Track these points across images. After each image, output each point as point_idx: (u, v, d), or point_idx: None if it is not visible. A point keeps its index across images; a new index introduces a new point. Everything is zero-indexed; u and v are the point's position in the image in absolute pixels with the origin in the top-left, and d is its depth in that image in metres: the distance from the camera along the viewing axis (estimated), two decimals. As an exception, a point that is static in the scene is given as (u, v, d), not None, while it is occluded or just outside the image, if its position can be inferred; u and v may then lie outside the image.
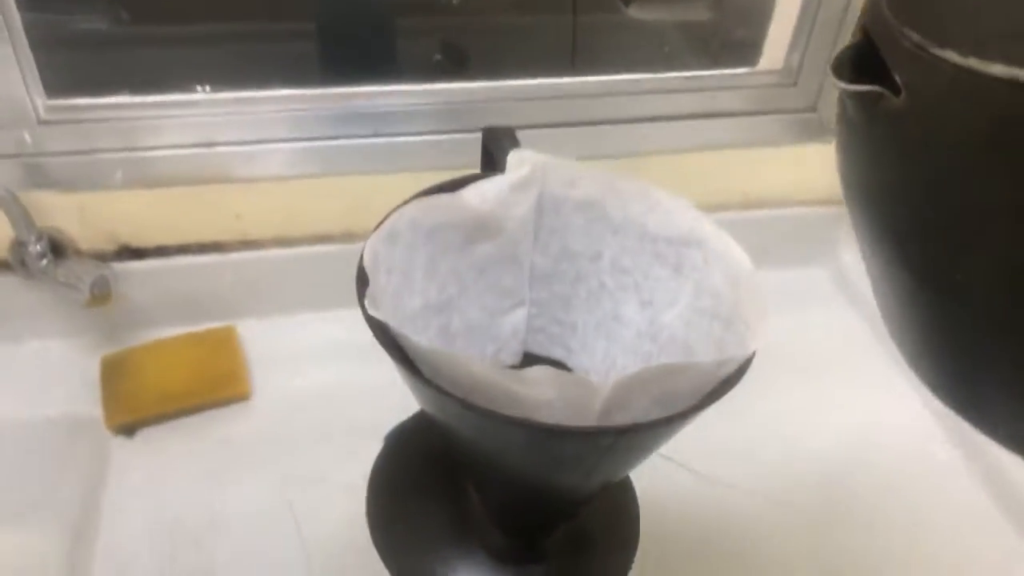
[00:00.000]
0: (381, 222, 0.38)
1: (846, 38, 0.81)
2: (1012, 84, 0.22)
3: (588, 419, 0.29)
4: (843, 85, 0.28)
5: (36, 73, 0.69)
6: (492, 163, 0.42)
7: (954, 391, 0.30)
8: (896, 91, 0.26)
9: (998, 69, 0.22)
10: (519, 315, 0.45)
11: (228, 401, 0.75)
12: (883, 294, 0.30)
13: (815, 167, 0.87)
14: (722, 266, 0.39)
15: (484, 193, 0.41)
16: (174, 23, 0.90)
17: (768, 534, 0.68)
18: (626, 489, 0.46)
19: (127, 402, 0.72)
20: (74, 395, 0.74)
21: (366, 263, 0.35)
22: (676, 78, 0.84)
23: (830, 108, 0.85)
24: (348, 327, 0.82)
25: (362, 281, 0.35)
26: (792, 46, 0.83)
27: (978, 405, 0.29)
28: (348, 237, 0.82)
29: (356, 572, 0.63)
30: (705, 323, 0.39)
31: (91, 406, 0.73)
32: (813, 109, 0.85)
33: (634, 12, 1.09)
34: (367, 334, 0.81)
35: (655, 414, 0.30)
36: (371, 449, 0.71)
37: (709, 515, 0.69)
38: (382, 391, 0.75)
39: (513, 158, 0.41)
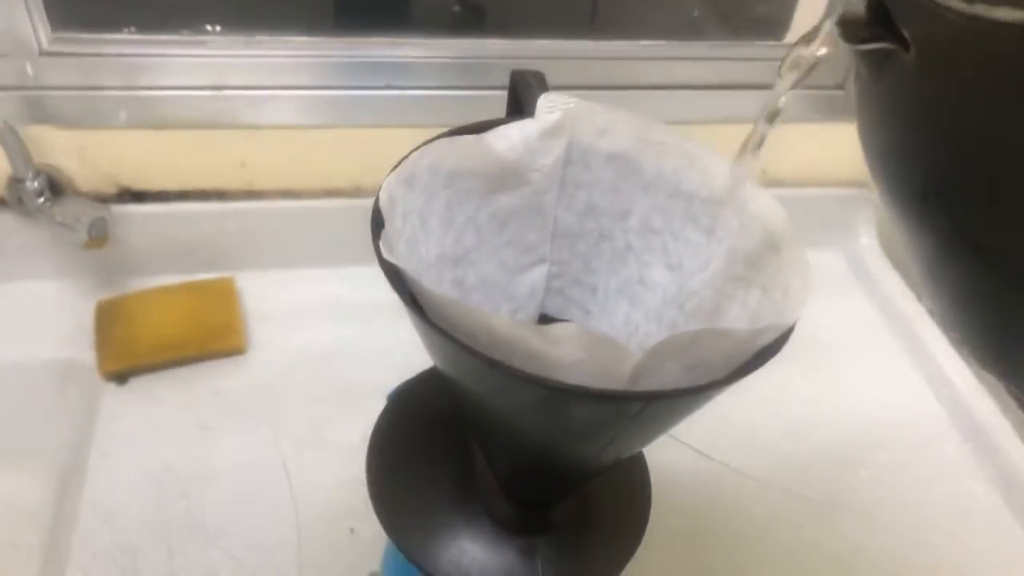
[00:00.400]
0: (400, 162, 0.36)
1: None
2: (1021, 27, 0.21)
3: (615, 383, 0.27)
4: (852, 45, 0.26)
5: (40, 2, 0.67)
6: (520, 109, 0.40)
7: (987, 351, 0.28)
8: (906, 47, 0.25)
9: (1004, 13, 0.21)
10: (538, 273, 0.43)
11: (223, 354, 0.73)
12: (914, 259, 0.29)
13: (840, 147, 0.85)
14: (760, 230, 0.36)
15: (510, 138, 0.39)
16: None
17: (772, 520, 0.66)
18: (638, 463, 0.44)
19: (120, 349, 0.71)
20: (67, 339, 0.73)
21: (382, 204, 0.33)
22: (701, 46, 0.81)
23: (860, 86, 0.83)
24: (352, 285, 0.82)
25: (377, 223, 0.33)
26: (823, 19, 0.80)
27: (1014, 369, 0.28)
28: (356, 192, 0.79)
29: (347, 534, 0.62)
30: (739, 291, 0.37)
31: (84, 351, 0.71)
32: (841, 87, 0.82)
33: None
34: (370, 293, 0.81)
35: (684, 383, 0.28)
36: (370, 411, 0.69)
37: (715, 496, 0.67)
38: (384, 353, 0.75)
39: (543, 102, 0.39)
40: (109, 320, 0.73)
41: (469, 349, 0.27)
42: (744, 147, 0.35)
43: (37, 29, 0.67)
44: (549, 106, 0.39)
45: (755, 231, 0.37)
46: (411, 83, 0.74)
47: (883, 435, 0.74)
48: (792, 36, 0.84)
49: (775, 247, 0.36)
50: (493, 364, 0.26)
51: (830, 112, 0.83)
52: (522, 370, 0.26)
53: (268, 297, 0.79)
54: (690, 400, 0.29)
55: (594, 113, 0.40)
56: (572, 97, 0.39)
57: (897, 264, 0.88)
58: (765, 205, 0.37)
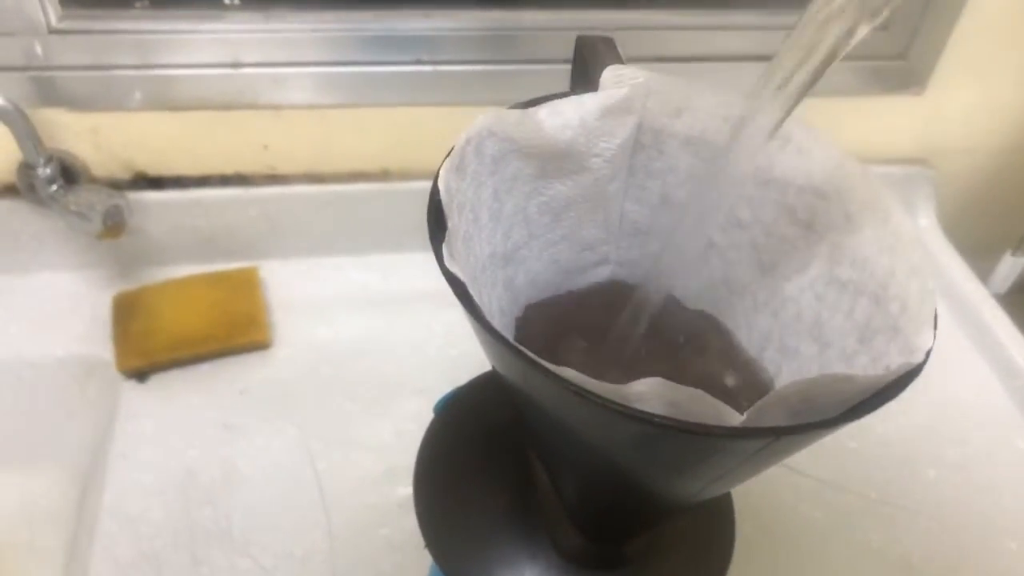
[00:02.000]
0: (454, 147, 0.31)
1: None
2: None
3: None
4: None
5: (48, -23, 0.62)
6: (587, 80, 0.35)
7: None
8: None
9: None
10: (601, 275, 0.38)
11: (247, 348, 0.70)
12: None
13: (901, 122, 0.80)
14: (872, 225, 0.31)
15: (563, 115, 0.33)
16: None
17: (834, 524, 0.62)
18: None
19: (139, 344, 0.67)
20: (83, 334, 0.70)
21: (443, 198, 0.28)
22: (749, 15, 0.76)
23: (924, 56, 0.78)
24: (381, 274, 0.78)
25: (437, 222, 0.28)
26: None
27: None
28: (385, 176, 0.75)
29: (380, 539, 0.58)
30: (845, 299, 0.32)
31: (101, 347, 0.68)
32: (904, 57, 0.77)
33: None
34: (401, 282, 0.77)
35: (782, 420, 0.24)
36: (402, 408, 0.66)
37: (771, 497, 0.63)
38: (416, 346, 0.71)
39: (609, 75, 0.33)
40: (127, 314, 0.69)
41: (558, 378, 0.22)
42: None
43: (45, 5, 0.63)
44: (616, 79, 0.34)
45: (865, 227, 0.32)
46: (443, 57, 0.69)
47: (950, 431, 0.69)
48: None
49: (889, 248, 0.30)
50: (584, 395, 0.22)
51: (892, 83, 0.78)
52: (626, 404, 0.22)
53: (293, 288, 0.75)
54: (819, 434, 0.25)
55: (669, 88, 0.34)
56: (643, 70, 0.34)
57: (960, 246, 0.83)
58: (873, 195, 0.32)
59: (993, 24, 0.74)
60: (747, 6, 0.75)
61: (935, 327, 0.27)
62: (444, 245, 0.27)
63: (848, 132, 0.81)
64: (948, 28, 0.74)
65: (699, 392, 0.22)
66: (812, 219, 0.33)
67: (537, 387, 0.26)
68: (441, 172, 0.29)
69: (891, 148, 0.83)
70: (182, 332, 0.69)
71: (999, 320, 0.76)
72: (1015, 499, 0.65)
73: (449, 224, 0.28)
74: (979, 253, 0.83)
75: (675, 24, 0.74)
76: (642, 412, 0.22)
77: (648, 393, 0.22)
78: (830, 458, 0.66)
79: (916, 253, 0.30)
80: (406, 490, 0.60)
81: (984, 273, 0.86)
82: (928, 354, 0.27)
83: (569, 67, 0.38)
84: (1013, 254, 0.85)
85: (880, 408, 0.25)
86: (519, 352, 0.24)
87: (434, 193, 0.29)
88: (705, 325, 0.38)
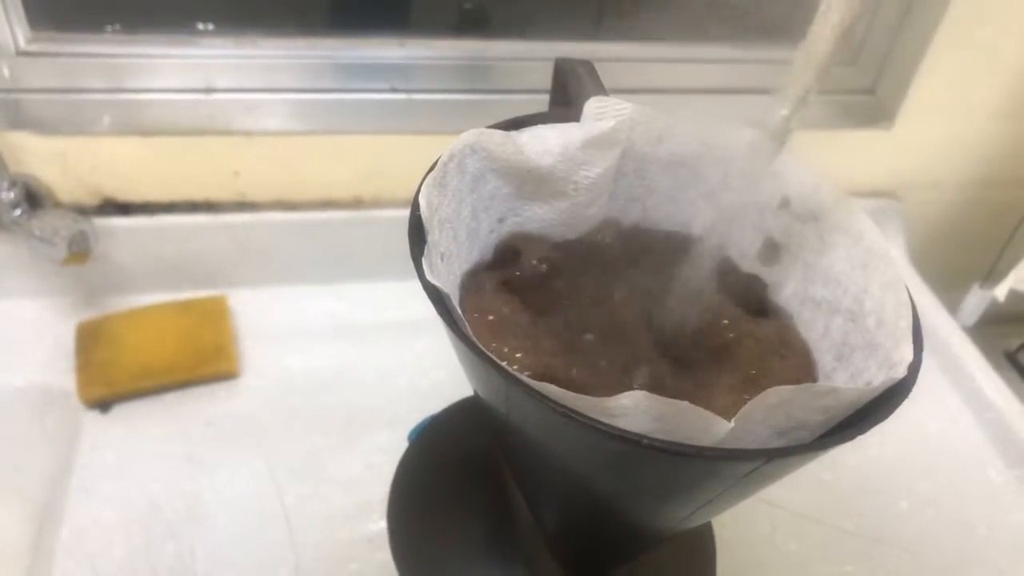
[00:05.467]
0: (435, 162, 0.31)
1: (917, 12, 0.74)
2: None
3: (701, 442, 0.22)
4: None
5: (19, 0, 0.62)
6: (566, 101, 0.35)
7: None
8: None
9: None
10: None
11: (214, 378, 0.68)
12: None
13: (870, 156, 0.81)
14: (845, 244, 0.32)
15: (546, 142, 0.34)
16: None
17: (809, 556, 0.61)
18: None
19: (103, 374, 0.66)
20: (44, 363, 0.68)
21: (423, 211, 0.28)
22: (714, 49, 0.77)
23: (891, 91, 0.79)
24: (352, 303, 0.77)
25: (418, 235, 0.28)
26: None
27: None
28: (357, 204, 0.74)
29: (350, 575, 0.56)
30: (820, 317, 0.32)
31: (63, 376, 0.66)
32: (872, 91, 0.78)
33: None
34: (371, 312, 0.76)
35: (772, 443, 0.24)
36: (372, 440, 0.65)
37: (745, 530, 0.62)
38: (387, 376, 0.70)
39: (593, 106, 0.34)
40: (91, 342, 0.68)
41: (541, 395, 0.22)
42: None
43: (14, 27, 0.62)
44: (599, 110, 0.34)
45: (838, 246, 0.32)
46: (418, 86, 0.69)
47: (922, 462, 0.69)
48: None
49: (863, 265, 0.31)
50: (568, 415, 0.21)
51: (860, 118, 0.79)
52: (615, 425, 0.21)
53: (262, 317, 0.74)
54: (811, 455, 0.24)
55: (653, 119, 0.34)
56: (627, 101, 0.34)
57: (928, 279, 0.84)
58: (846, 215, 0.32)
59: (959, 60, 0.75)
60: (721, 40, 0.76)
61: (916, 341, 0.27)
62: (424, 258, 0.26)
63: (820, 165, 0.82)
64: (915, 64, 0.75)
65: (685, 404, 0.22)
66: (787, 240, 0.33)
67: (516, 403, 0.25)
68: (423, 187, 0.29)
69: (860, 181, 0.84)
70: (147, 361, 0.67)
71: (969, 352, 0.77)
72: (988, 531, 0.65)
73: (429, 238, 0.27)
74: (947, 285, 0.84)
75: (649, 56, 0.75)
76: (624, 432, 0.21)
77: (632, 408, 0.22)
78: (805, 490, 0.65)
79: (890, 269, 0.30)
80: (377, 525, 0.59)
81: (952, 305, 0.87)
82: (911, 368, 0.27)
83: (545, 97, 0.38)
84: (981, 286, 0.86)
85: (870, 431, 0.24)
86: (497, 365, 0.23)
87: (415, 207, 0.28)
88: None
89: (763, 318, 0.34)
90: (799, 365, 0.32)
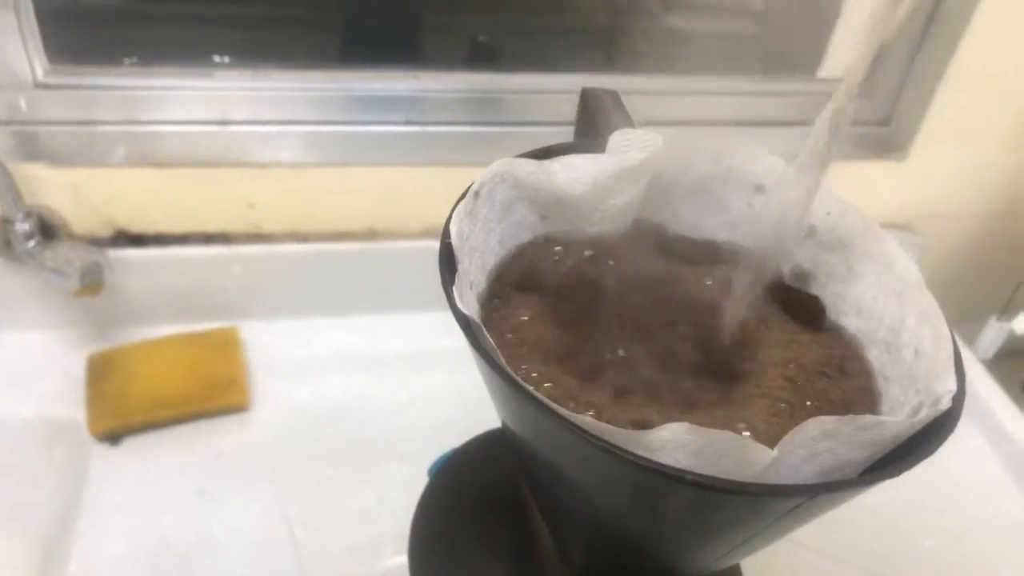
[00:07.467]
0: (466, 190, 0.31)
1: (930, 43, 0.74)
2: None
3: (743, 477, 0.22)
4: None
5: (37, 33, 0.62)
6: (592, 132, 0.34)
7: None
8: None
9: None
10: None
11: (225, 410, 0.68)
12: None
13: (885, 187, 0.80)
14: (875, 273, 0.31)
15: (578, 171, 0.34)
16: (190, 1, 0.83)
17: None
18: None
19: (113, 406, 0.65)
20: (55, 395, 0.67)
21: (453, 240, 0.28)
22: (731, 82, 0.77)
23: (906, 123, 0.79)
24: (365, 336, 0.76)
25: (448, 264, 0.27)
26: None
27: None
28: (370, 235, 0.74)
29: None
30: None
31: (73, 408, 0.66)
32: (886, 123, 0.78)
33: (674, 21, 1.04)
34: (384, 344, 0.76)
35: (813, 478, 0.23)
36: (385, 474, 0.64)
37: (764, 571, 0.61)
38: (399, 409, 0.69)
39: (618, 139, 0.34)
40: (101, 374, 0.67)
41: (576, 427, 0.21)
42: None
43: (32, 60, 0.63)
44: (626, 144, 0.34)
45: (866, 273, 0.31)
46: (432, 118, 0.69)
47: (944, 500, 0.68)
48: (827, 70, 0.80)
49: (896, 293, 0.30)
50: (606, 449, 0.20)
51: (874, 149, 0.79)
52: (654, 460, 0.21)
53: (274, 349, 0.73)
54: (857, 491, 0.23)
55: (678, 149, 0.34)
56: (653, 132, 0.34)
57: (945, 311, 0.83)
58: (875, 243, 0.31)
59: (972, 90, 0.75)
60: (734, 73, 0.76)
61: (959, 372, 0.27)
62: (454, 287, 0.26)
63: (833, 197, 0.81)
64: (929, 95, 0.75)
65: (727, 434, 0.21)
66: (815, 269, 0.33)
67: (548, 434, 0.24)
68: (454, 216, 0.29)
69: (876, 213, 0.82)
70: (158, 393, 0.66)
71: (988, 386, 0.76)
72: (1013, 569, 0.64)
73: (460, 267, 0.27)
74: (965, 318, 0.83)
75: (662, 89, 0.75)
76: (666, 468, 0.21)
77: (672, 440, 0.21)
78: (827, 529, 0.63)
79: (925, 298, 0.29)
80: (390, 560, 0.58)
81: (969, 338, 0.86)
82: (956, 400, 0.26)
83: (559, 128, 0.38)
84: (998, 319, 0.86)
85: (912, 468, 0.24)
86: (530, 395, 0.23)
87: (445, 236, 0.28)
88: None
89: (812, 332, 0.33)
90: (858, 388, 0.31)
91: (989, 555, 0.64)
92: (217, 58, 0.66)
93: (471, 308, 0.26)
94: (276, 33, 0.75)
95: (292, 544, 0.59)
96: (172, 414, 0.66)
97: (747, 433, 0.27)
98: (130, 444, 0.65)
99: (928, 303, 0.29)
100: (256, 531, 0.60)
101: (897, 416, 0.28)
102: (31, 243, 0.65)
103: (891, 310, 0.30)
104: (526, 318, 0.31)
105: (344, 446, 0.66)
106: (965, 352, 0.78)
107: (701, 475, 0.21)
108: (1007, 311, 0.86)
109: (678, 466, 0.21)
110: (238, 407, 0.68)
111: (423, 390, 0.71)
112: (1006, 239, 0.88)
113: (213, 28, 0.72)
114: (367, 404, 0.70)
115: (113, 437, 0.65)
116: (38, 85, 0.63)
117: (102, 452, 0.64)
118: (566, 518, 0.30)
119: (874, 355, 0.31)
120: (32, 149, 0.65)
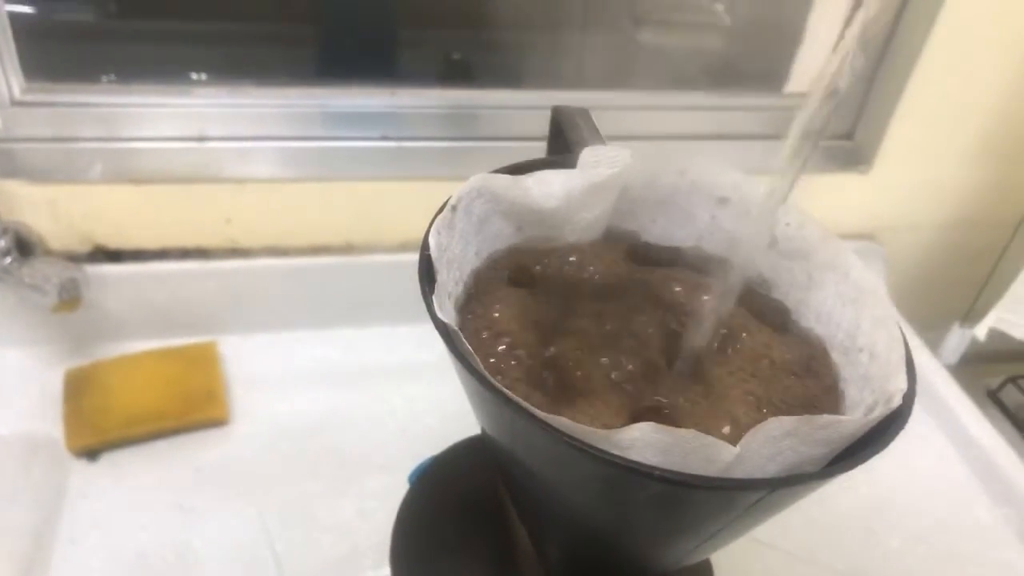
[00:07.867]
0: (445, 203, 0.32)
1: (892, 60, 0.76)
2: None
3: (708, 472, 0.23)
4: None
5: (14, 51, 0.63)
6: (564, 148, 0.36)
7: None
8: None
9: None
10: None
11: (204, 425, 0.68)
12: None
13: (849, 199, 0.82)
14: (834, 281, 0.33)
15: (551, 185, 0.35)
16: (167, 19, 0.84)
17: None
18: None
19: (91, 422, 0.65)
20: (32, 411, 0.67)
21: (432, 252, 0.29)
22: (699, 97, 0.79)
23: (869, 136, 0.81)
24: (343, 349, 0.77)
25: (428, 275, 0.28)
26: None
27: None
28: (348, 249, 0.75)
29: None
30: None
31: (51, 424, 0.66)
32: (850, 136, 0.80)
33: (644, 36, 1.06)
34: (362, 357, 0.77)
35: (771, 473, 0.24)
36: (365, 486, 0.64)
37: (735, 569, 0.62)
38: (378, 421, 0.70)
39: (588, 155, 0.35)
40: (79, 390, 0.67)
41: (550, 427, 0.22)
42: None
43: (9, 77, 0.63)
44: (595, 160, 0.35)
45: (825, 281, 0.33)
46: (408, 134, 0.70)
47: (911, 501, 0.70)
48: (794, 84, 0.82)
49: (852, 299, 0.32)
50: (581, 448, 0.22)
51: (836, 162, 0.81)
52: (626, 457, 0.22)
53: (253, 363, 0.74)
54: (816, 484, 0.25)
55: (646, 163, 0.36)
56: (621, 148, 0.35)
57: (910, 319, 0.85)
58: (833, 253, 0.33)
59: (934, 104, 0.78)
60: (706, 88, 0.78)
61: (910, 372, 0.28)
62: (434, 296, 0.27)
63: (801, 208, 0.83)
64: (891, 108, 0.77)
65: (691, 433, 0.22)
66: (777, 278, 0.34)
67: (524, 435, 0.25)
68: (432, 229, 0.30)
69: (840, 224, 0.86)
70: (137, 408, 0.67)
71: (952, 391, 0.78)
72: (977, 567, 0.65)
73: (439, 278, 0.28)
74: (928, 325, 0.85)
75: (632, 104, 0.76)
76: (636, 464, 0.22)
77: (641, 439, 0.22)
78: (797, 530, 0.66)
79: (880, 304, 0.31)
80: (371, 572, 0.59)
81: (933, 345, 0.88)
82: (906, 397, 0.27)
83: (532, 143, 0.39)
84: (961, 325, 0.88)
85: (866, 462, 0.25)
86: (507, 398, 0.24)
87: (424, 248, 0.29)
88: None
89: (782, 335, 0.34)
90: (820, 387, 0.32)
91: (955, 554, 0.66)
92: (194, 75, 0.66)
93: (449, 316, 0.27)
94: (253, 50, 0.76)
95: (273, 558, 0.60)
96: (150, 429, 0.66)
97: (727, 428, 0.29)
98: (108, 460, 0.65)
99: (882, 309, 0.31)
100: (236, 545, 0.60)
101: (853, 415, 0.29)
102: (8, 259, 0.65)
103: (848, 316, 0.32)
104: (498, 315, 0.32)
105: (323, 459, 0.67)
106: (930, 358, 0.81)
107: (669, 471, 0.22)
108: (969, 318, 0.88)
109: (647, 463, 0.22)
110: (217, 421, 0.68)
111: (401, 402, 0.72)
112: (968, 249, 0.91)
113: (190, 45, 0.73)
114: (346, 417, 0.70)
115: (91, 453, 0.65)
116: (15, 103, 0.63)
117: (80, 468, 0.64)
118: (543, 519, 0.31)
119: (834, 358, 0.32)
120: (9, 166, 0.65)
